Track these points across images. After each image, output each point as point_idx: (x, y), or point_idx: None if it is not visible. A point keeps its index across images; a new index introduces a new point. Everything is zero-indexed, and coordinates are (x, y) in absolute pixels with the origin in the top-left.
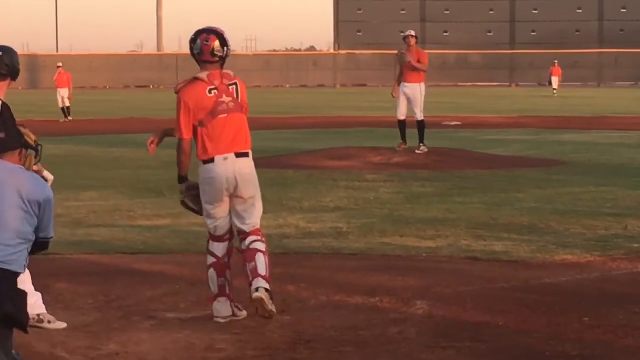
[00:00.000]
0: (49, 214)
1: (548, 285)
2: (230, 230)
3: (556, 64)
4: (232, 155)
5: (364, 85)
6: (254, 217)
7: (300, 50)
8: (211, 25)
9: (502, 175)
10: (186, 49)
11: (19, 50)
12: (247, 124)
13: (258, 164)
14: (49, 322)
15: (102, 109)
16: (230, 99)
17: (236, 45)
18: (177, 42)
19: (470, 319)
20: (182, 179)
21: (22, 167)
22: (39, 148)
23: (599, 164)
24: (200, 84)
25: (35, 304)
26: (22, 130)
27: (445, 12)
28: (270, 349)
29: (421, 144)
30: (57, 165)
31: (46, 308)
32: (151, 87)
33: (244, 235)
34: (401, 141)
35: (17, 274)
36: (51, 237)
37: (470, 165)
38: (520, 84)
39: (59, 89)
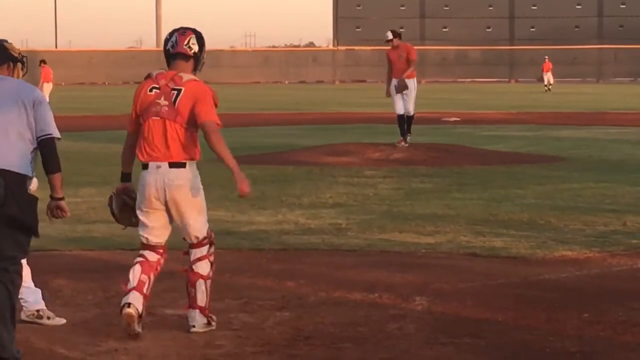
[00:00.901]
0: (44, 112)
1: (547, 282)
2: (165, 247)
3: (546, 60)
4: (165, 165)
5: (363, 81)
6: (195, 230)
7: (299, 46)
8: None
9: (501, 171)
10: None
11: (17, 46)
12: (187, 134)
13: (258, 160)
14: (48, 318)
15: (101, 104)
16: (166, 103)
17: (235, 41)
18: None
19: (469, 315)
20: (123, 176)
21: (11, 77)
22: (24, 59)
23: (598, 160)
24: (148, 81)
25: (35, 300)
26: (5, 44)
27: (445, 8)
28: (270, 345)
29: (408, 133)
30: None
31: (45, 304)
32: None
33: (189, 246)
34: (401, 137)
35: (23, 176)
36: (50, 134)
37: (470, 161)
38: (520, 79)
39: (48, 84)
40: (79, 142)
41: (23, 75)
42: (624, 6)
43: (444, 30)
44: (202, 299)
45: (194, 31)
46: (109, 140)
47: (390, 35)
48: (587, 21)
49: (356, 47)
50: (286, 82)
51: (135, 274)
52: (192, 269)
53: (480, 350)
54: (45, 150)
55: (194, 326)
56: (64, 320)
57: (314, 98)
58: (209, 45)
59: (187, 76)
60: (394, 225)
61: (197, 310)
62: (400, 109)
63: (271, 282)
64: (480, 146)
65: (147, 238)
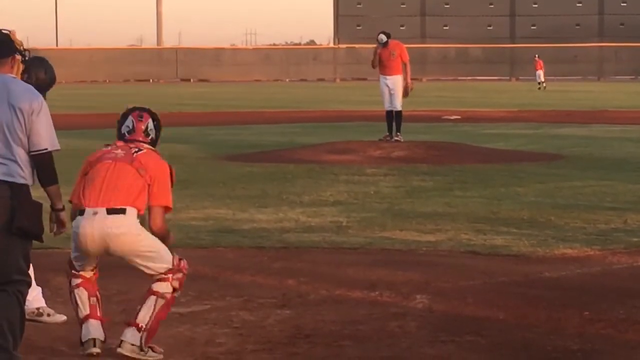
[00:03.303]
0: (39, 123)
1: (548, 280)
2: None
3: (536, 58)
4: (102, 211)
5: (364, 79)
6: (158, 269)
7: (300, 44)
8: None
9: (502, 169)
10: (186, 43)
11: None
12: (138, 181)
13: (258, 158)
14: (49, 315)
15: (101, 102)
16: (123, 152)
17: (236, 39)
18: (177, 37)
19: (470, 313)
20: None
21: (15, 77)
22: (27, 53)
23: (599, 158)
24: (104, 147)
25: (35, 298)
26: (10, 35)
27: (445, 6)
28: (270, 343)
29: (398, 133)
30: (56, 160)
31: (46, 302)
32: (151, 81)
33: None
34: (387, 133)
35: (25, 186)
36: (43, 150)
37: (471, 159)
38: (521, 78)
39: None
40: (79, 140)
41: (24, 69)
42: (624, 4)
43: (444, 28)
44: (144, 316)
45: (150, 113)
46: (109, 139)
47: (385, 38)
48: (588, 19)
49: (357, 45)
50: (287, 80)
51: (83, 299)
52: (150, 287)
53: (481, 349)
54: (39, 166)
55: (121, 341)
56: (64, 317)
57: (315, 96)
58: (210, 43)
59: (146, 145)
60: (395, 223)
61: (133, 327)
62: (388, 105)
63: (272, 280)
64: (481, 144)
65: (78, 265)
